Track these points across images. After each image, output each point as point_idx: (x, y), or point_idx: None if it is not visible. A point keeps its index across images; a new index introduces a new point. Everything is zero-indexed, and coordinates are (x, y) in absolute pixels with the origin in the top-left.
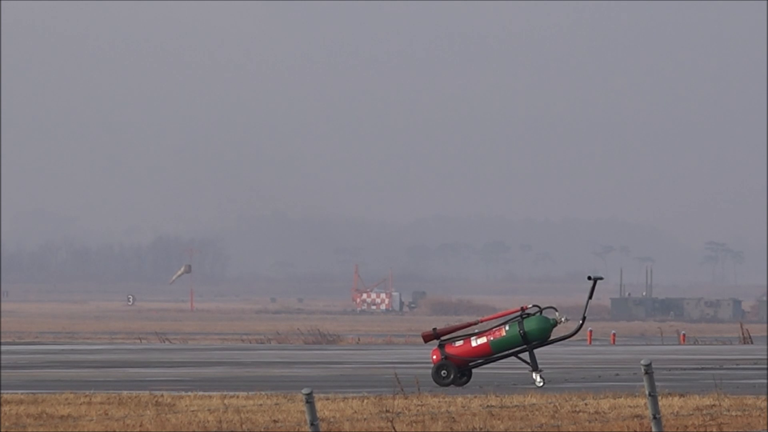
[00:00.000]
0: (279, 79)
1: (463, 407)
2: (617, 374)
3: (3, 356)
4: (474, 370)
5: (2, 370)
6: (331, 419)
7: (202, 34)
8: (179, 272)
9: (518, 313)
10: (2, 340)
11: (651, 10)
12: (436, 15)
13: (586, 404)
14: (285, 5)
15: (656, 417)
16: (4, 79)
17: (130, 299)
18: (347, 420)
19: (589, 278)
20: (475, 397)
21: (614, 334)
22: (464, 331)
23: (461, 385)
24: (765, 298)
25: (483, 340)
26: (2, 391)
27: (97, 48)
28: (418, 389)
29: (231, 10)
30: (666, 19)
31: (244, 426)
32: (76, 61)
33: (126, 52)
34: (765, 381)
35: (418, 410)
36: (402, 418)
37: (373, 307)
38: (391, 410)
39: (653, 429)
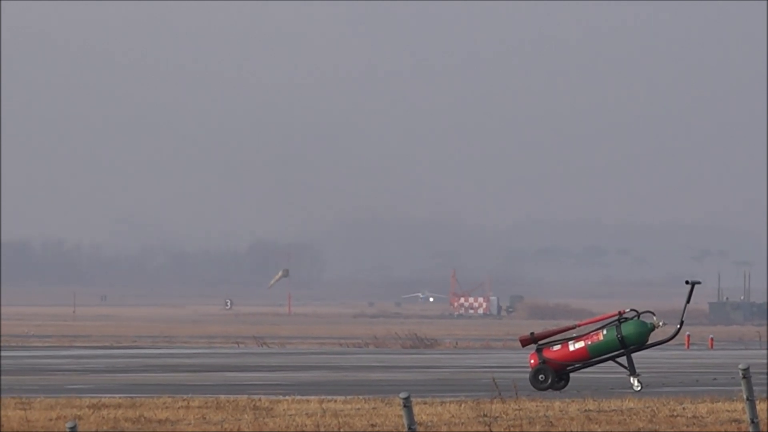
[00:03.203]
0: (374, 83)
1: (561, 411)
2: (715, 378)
3: (102, 360)
4: (572, 375)
5: (101, 374)
6: (429, 423)
7: (297, 36)
8: (277, 277)
9: (616, 318)
10: (100, 344)
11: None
12: (535, 14)
13: (683, 408)
14: (392, 5)
15: (754, 421)
16: (111, 83)
17: (228, 303)
18: (445, 424)
19: (687, 282)
20: (573, 401)
21: (712, 339)
22: (562, 335)
23: (559, 389)
24: None
25: (581, 344)
26: (100, 395)
27: (195, 54)
28: (516, 393)
29: (329, 11)
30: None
31: (341, 430)
32: (182, 67)
33: (229, 55)
34: None
35: (515, 414)
36: (499, 423)
37: (471, 311)
38: (488, 414)
39: None
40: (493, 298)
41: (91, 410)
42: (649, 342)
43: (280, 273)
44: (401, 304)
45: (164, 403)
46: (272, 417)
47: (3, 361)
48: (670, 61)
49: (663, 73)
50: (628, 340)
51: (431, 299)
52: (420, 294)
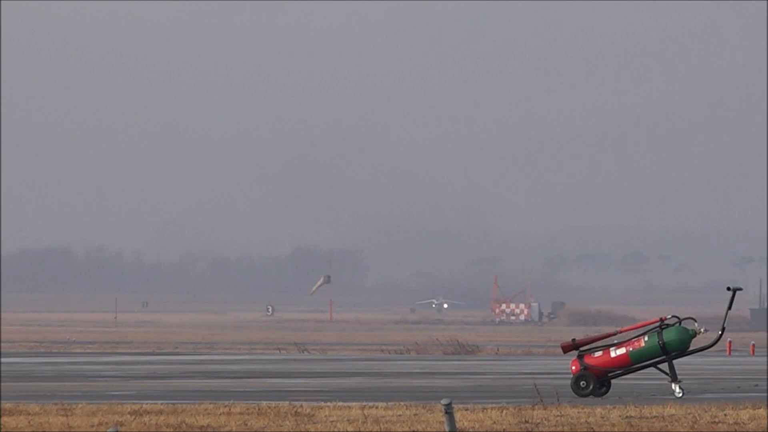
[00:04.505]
0: (415, 89)
1: (603, 418)
2: (757, 385)
3: (144, 366)
4: (613, 381)
5: (142, 381)
6: (470, 429)
7: (339, 42)
8: (319, 283)
9: (657, 324)
10: (141, 351)
11: None
12: (574, 14)
13: (725, 415)
14: (421, 5)
15: None
16: (154, 93)
17: (269, 309)
18: (486, 430)
19: (729, 289)
20: (615, 407)
21: (754, 345)
22: (603, 341)
23: (600, 395)
24: None
25: (622, 350)
26: (141, 402)
27: (237, 61)
28: (558, 400)
29: (364, 11)
30: None
31: None
32: (224, 75)
33: (270, 61)
34: None
35: (557, 421)
36: (541, 429)
37: (512, 318)
38: (530, 421)
39: None
40: (535, 305)
41: (133, 416)
42: (691, 348)
43: (321, 279)
44: (442, 310)
45: (206, 410)
46: (314, 423)
47: (45, 368)
48: (713, 68)
49: (710, 79)
50: (670, 346)
51: (445, 306)
52: (434, 300)
